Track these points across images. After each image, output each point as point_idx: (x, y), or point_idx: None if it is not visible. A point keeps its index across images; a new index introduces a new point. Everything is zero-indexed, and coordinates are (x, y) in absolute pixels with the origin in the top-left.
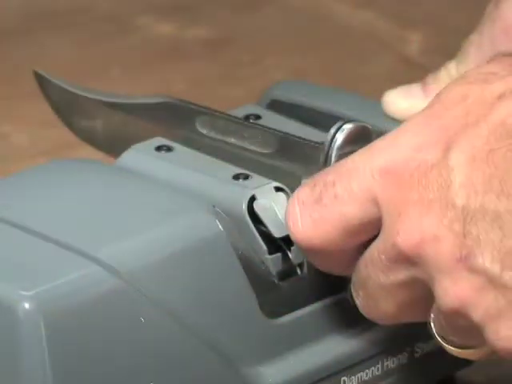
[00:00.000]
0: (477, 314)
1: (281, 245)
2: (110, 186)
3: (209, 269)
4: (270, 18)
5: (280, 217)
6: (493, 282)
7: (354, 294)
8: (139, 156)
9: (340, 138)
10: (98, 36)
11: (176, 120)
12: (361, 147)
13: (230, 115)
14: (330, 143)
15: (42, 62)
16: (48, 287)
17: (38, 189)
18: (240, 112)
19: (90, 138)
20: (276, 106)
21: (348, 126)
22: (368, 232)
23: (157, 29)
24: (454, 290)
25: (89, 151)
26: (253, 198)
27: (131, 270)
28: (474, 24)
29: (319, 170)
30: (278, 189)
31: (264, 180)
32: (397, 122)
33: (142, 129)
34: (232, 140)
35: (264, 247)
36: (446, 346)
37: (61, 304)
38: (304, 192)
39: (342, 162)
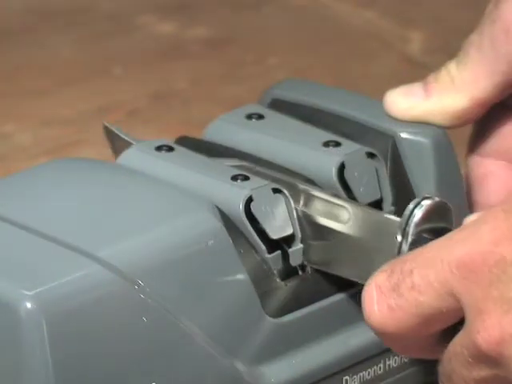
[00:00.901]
0: None
1: (281, 244)
2: (111, 186)
3: (210, 268)
4: (272, 17)
5: (277, 218)
6: None
7: None
8: (139, 155)
9: (418, 214)
10: (99, 35)
11: None
12: (439, 224)
13: (309, 185)
14: (408, 219)
15: (44, 62)
16: (50, 286)
17: (40, 188)
18: (242, 111)
19: None
20: (277, 105)
21: (427, 203)
22: (445, 321)
23: (158, 28)
24: None
25: (90, 150)
26: (250, 199)
27: (133, 270)
28: (475, 23)
29: (396, 246)
30: (275, 190)
31: (262, 181)
32: (398, 121)
33: None
34: (311, 212)
35: (263, 247)
36: None
37: (62, 303)
38: (381, 278)
39: (420, 250)
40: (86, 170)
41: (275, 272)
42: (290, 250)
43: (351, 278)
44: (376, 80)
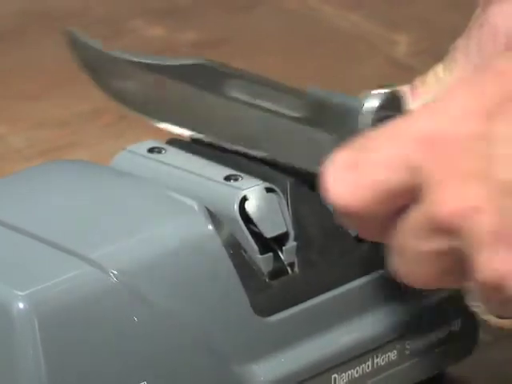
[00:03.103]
0: None
1: (272, 245)
2: (102, 187)
3: (200, 268)
4: (261, 19)
5: (271, 217)
6: None
7: (393, 261)
8: (132, 157)
9: (374, 103)
10: (92, 38)
11: (209, 82)
12: (394, 112)
13: (263, 78)
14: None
15: (37, 64)
16: (42, 287)
17: (32, 190)
18: None
19: (123, 99)
20: None
21: (381, 92)
22: (404, 198)
23: (148, 32)
24: (492, 264)
25: (83, 152)
26: (244, 199)
27: (123, 270)
28: (461, 26)
29: (353, 134)
30: (268, 189)
31: (255, 181)
32: None
33: (176, 90)
34: (262, 103)
35: (255, 247)
36: (486, 315)
37: (54, 303)
38: (341, 156)
39: (382, 127)
40: (78, 172)
41: (265, 272)
42: (284, 248)
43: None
44: (363, 81)
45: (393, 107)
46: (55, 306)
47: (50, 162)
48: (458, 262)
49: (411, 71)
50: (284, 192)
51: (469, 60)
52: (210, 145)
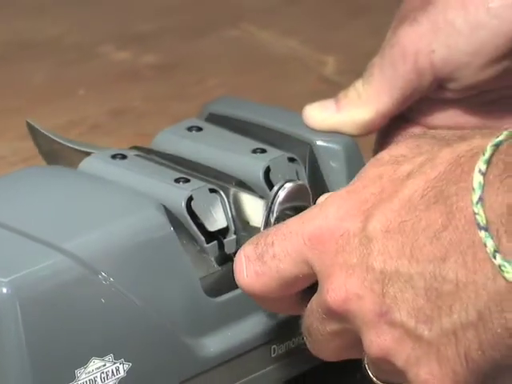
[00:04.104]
0: (399, 362)
1: (217, 235)
2: (74, 188)
3: (158, 257)
4: (212, 45)
5: (213, 214)
6: (409, 334)
7: (304, 338)
8: (97, 162)
9: (282, 195)
10: (65, 62)
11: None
12: (299, 203)
13: (187, 161)
14: (273, 199)
15: (20, 85)
16: (22, 274)
17: (14, 190)
18: (184, 124)
19: None
20: (213, 118)
21: (289, 185)
22: (301, 284)
23: (115, 55)
24: (378, 342)
25: None
26: (191, 198)
27: (93, 259)
28: (379, 48)
29: (262, 222)
30: (211, 190)
31: (201, 183)
32: (315, 131)
33: None
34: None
35: (202, 237)
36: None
37: (34, 288)
38: (249, 248)
39: (280, 225)
40: (53, 176)
41: (213, 259)
42: (224, 241)
43: None
44: (297, 97)
45: (299, 198)
46: (34, 291)
47: (29, 167)
48: (353, 339)
49: (338, 87)
50: (227, 193)
51: (383, 75)
52: (166, 154)
